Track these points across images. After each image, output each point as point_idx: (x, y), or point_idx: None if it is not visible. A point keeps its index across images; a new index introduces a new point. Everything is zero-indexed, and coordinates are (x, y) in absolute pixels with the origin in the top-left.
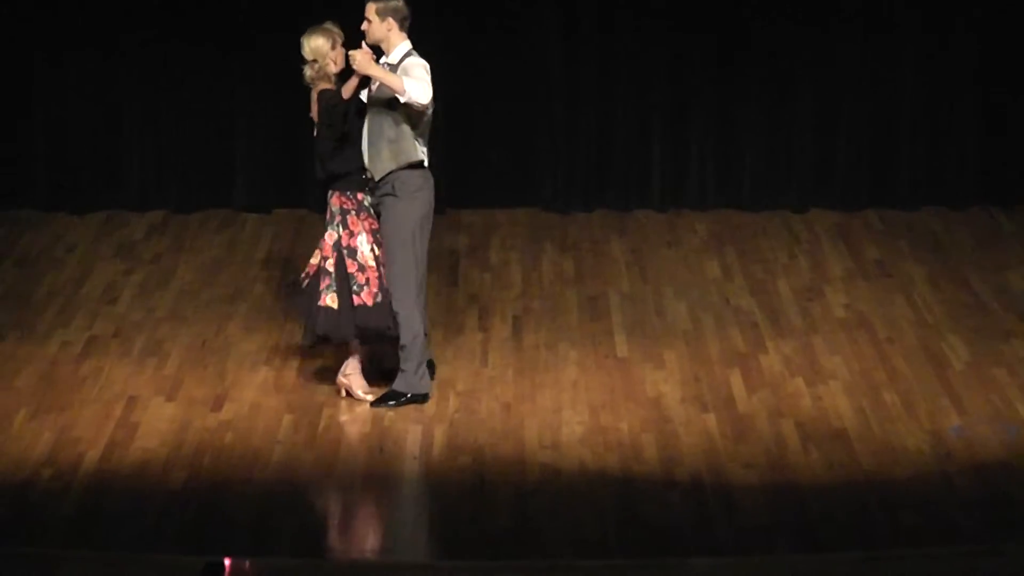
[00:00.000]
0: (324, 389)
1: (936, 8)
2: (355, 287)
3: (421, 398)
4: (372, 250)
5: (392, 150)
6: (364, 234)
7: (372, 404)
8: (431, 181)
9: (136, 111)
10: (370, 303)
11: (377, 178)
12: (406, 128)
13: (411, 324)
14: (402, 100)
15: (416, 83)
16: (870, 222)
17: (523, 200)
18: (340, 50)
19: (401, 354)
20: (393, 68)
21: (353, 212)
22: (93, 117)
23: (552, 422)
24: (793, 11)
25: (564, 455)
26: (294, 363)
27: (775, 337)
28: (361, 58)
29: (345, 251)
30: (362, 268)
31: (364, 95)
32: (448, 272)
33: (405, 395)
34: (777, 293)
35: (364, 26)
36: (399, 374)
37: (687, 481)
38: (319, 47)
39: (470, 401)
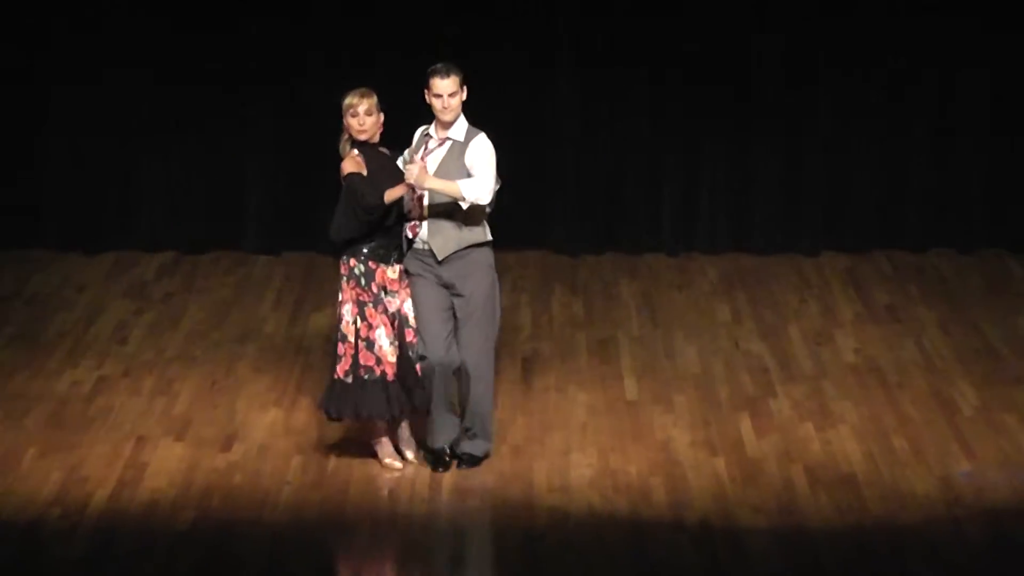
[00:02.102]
0: (333, 430)
1: (944, 51)
2: (337, 357)
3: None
4: (354, 322)
5: (461, 230)
6: (349, 304)
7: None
8: None
9: (147, 152)
10: (340, 376)
11: (440, 257)
12: (477, 207)
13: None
14: (464, 206)
15: (476, 184)
16: (880, 266)
17: (533, 242)
18: (374, 117)
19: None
20: (461, 146)
21: (344, 278)
22: (104, 158)
23: (561, 465)
24: (802, 56)
25: (573, 498)
26: (303, 404)
27: (785, 381)
28: (419, 174)
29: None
30: (343, 338)
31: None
32: None
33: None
34: (787, 337)
35: (448, 103)
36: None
37: (696, 525)
38: (341, 103)
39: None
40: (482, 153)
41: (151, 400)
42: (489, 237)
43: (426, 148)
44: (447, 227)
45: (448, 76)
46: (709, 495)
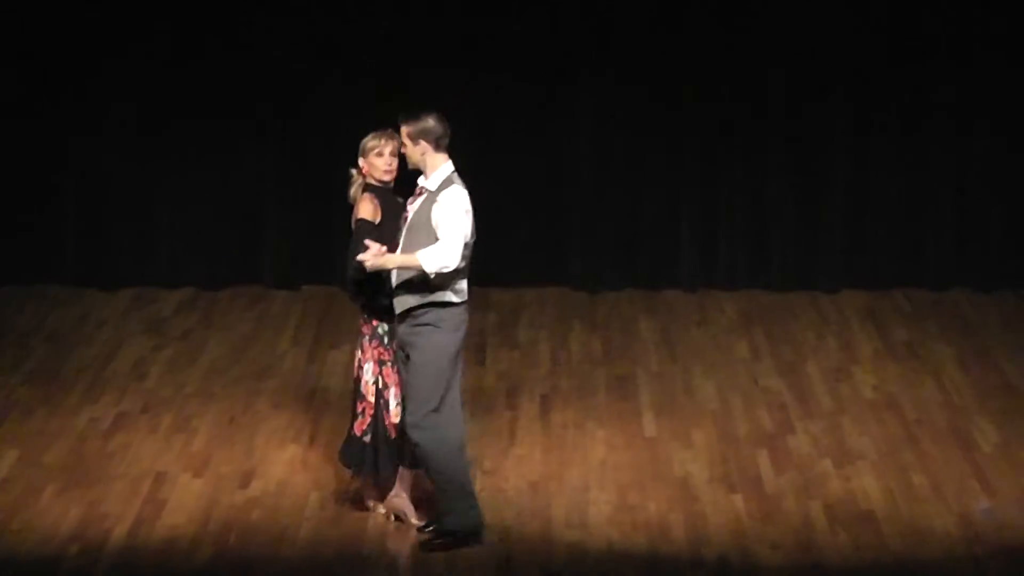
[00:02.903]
0: None
1: (965, 91)
2: (355, 414)
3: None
4: (375, 382)
5: (421, 289)
6: (371, 363)
7: (419, 530)
8: (466, 316)
9: (166, 187)
10: (358, 434)
11: (398, 311)
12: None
13: (437, 452)
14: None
15: (437, 252)
16: (898, 303)
17: (552, 278)
18: (389, 159)
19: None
20: (432, 197)
21: (366, 338)
22: (123, 193)
23: (580, 501)
24: (823, 93)
25: (591, 534)
26: (322, 440)
27: (803, 418)
28: (372, 261)
29: (354, 379)
30: (362, 397)
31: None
32: (476, 351)
33: (454, 533)
34: (806, 374)
35: (403, 150)
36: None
37: (714, 562)
38: (364, 144)
39: (497, 480)
40: (445, 212)
41: (169, 436)
42: (450, 298)
43: (414, 197)
44: (407, 286)
45: (400, 124)
46: (727, 532)
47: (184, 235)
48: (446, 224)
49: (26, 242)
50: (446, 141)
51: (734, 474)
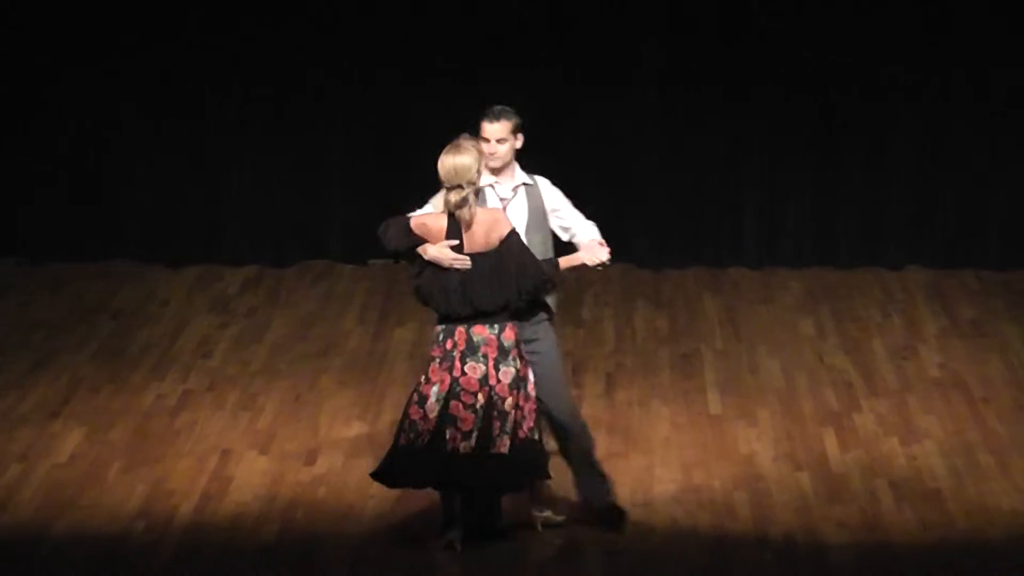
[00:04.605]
0: None
1: None
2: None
3: None
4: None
5: None
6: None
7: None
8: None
9: (231, 164)
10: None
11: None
12: None
13: None
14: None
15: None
16: (965, 281)
17: (617, 256)
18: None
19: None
20: (534, 189)
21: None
22: (189, 171)
23: (644, 479)
24: (890, 74)
25: (656, 512)
26: (387, 417)
27: (869, 396)
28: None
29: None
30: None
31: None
32: None
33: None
34: (871, 352)
35: (492, 149)
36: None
37: (780, 540)
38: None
39: (562, 458)
40: (560, 192)
41: (235, 414)
42: None
43: (498, 200)
44: None
45: (497, 120)
46: (793, 510)
47: (249, 212)
48: (569, 202)
49: (92, 219)
50: None
51: (799, 452)
